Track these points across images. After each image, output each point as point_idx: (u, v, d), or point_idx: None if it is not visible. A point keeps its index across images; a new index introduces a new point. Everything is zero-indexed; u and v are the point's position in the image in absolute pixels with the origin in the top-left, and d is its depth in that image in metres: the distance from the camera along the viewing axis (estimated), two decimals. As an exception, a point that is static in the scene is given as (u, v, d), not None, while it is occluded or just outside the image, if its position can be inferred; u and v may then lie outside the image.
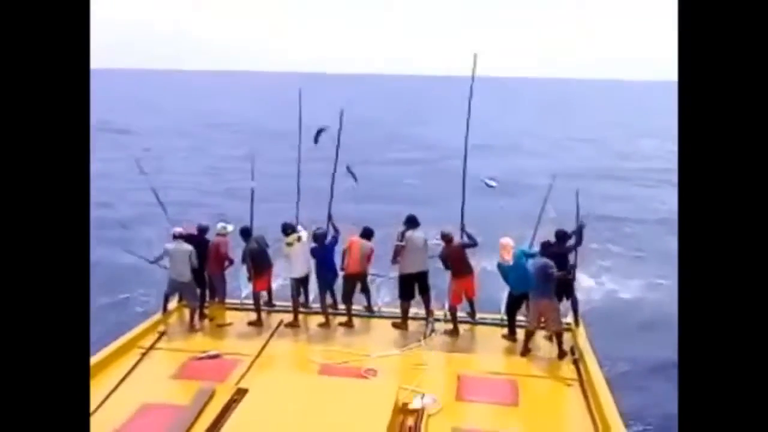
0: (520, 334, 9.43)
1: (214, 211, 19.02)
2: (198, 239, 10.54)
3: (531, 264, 9.15)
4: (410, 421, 7.05)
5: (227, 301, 10.91)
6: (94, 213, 6.02)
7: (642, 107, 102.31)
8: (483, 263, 10.98)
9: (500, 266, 9.52)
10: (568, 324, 9.59)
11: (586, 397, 7.91)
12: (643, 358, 12.85)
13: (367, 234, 10.47)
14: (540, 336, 9.38)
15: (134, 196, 24.08)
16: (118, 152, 34.55)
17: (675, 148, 3.92)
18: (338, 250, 10.38)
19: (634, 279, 18.16)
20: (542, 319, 9.12)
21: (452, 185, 10.70)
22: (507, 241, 9.53)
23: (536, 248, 9.48)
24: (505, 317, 9.83)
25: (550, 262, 8.93)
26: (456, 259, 9.87)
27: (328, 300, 10.44)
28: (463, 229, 10.08)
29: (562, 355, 8.92)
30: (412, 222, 10.16)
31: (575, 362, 8.77)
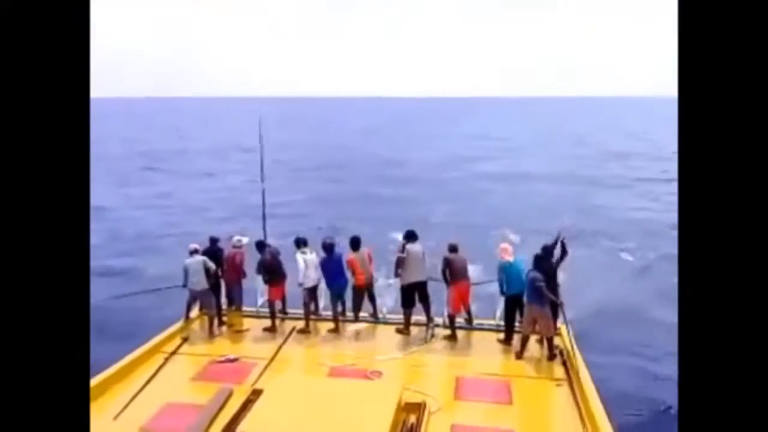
0: (516, 339, 9.89)
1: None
2: (212, 250, 11.16)
3: (528, 273, 9.66)
4: (412, 419, 7.35)
5: (244, 309, 11.36)
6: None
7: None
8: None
9: (502, 266, 10.01)
10: (558, 329, 9.92)
11: (574, 395, 8.19)
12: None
13: (355, 244, 10.87)
14: (532, 339, 9.74)
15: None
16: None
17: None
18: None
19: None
20: (536, 325, 9.58)
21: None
22: (506, 245, 10.24)
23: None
24: (501, 323, 10.29)
25: (539, 276, 9.40)
26: (457, 267, 10.33)
27: (338, 308, 10.88)
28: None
29: (551, 357, 9.34)
30: (411, 236, 10.64)
31: (564, 363, 9.10)
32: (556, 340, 9.72)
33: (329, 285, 10.83)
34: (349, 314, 10.96)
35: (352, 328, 10.82)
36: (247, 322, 11.16)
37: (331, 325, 10.82)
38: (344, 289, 10.91)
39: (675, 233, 3.79)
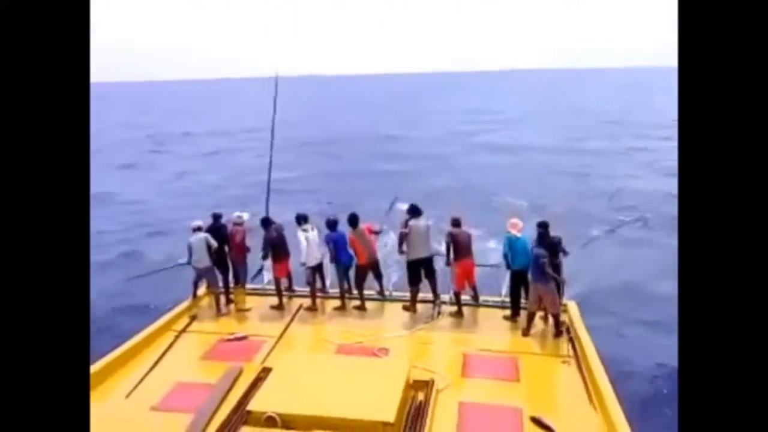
0: (522, 315, 9.94)
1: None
2: (214, 227, 11.13)
3: (532, 249, 9.64)
4: (420, 396, 7.42)
5: (250, 286, 11.39)
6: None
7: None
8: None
9: (508, 239, 9.98)
10: (564, 305, 9.96)
11: (581, 372, 8.23)
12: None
13: (353, 221, 10.83)
14: (538, 316, 9.79)
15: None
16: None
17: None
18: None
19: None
20: (541, 302, 9.62)
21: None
22: (517, 220, 10.20)
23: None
24: (507, 299, 10.30)
25: (543, 252, 9.42)
26: (460, 242, 10.29)
27: (345, 285, 10.92)
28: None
29: (558, 334, 9.38)
30: (414, 211, 10.53)
31: (570, 340, 9.12)
32: (563, 317, 9.75)
33: (336, 261, 10.82)
34: (356, 292, 10.99)
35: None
36: (254, 300, 11.20)
37: (338, 302, 10.87)
38: (350, 266, 10.91)
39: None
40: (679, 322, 3.59)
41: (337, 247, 10.69)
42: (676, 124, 3.81)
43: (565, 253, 9.81)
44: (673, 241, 4.01)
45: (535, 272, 9.55)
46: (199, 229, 10.88)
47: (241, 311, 10.88)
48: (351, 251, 10.83)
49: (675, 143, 3.85)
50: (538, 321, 9.83)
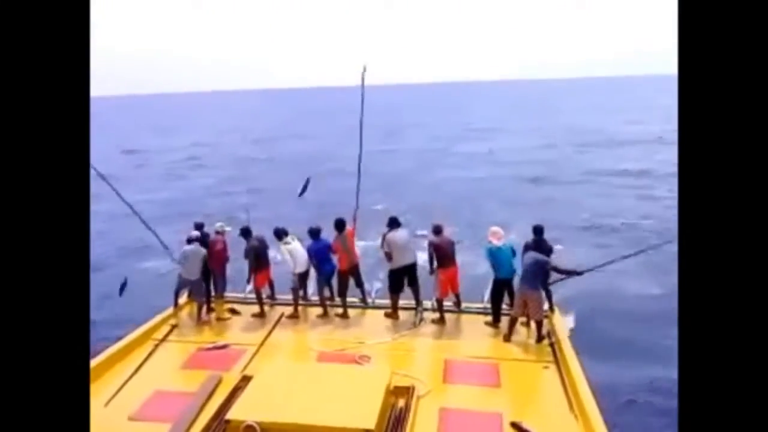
0: (503, 321, 9.97)
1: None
2: (202, 236, 11.07)
3: (527, 257, 9.62)
4: (401, 403, 7.40)
5: (231, 295, 11.31)
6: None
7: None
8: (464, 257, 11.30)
9: (489, 250, 10.01)
10: (545, 312, 9.98)
11: (561, 378, 8.25)
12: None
13: (339, 226, 10.77)
14: (519, 322, 9.81)
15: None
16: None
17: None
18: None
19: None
20: (525, 308, 9.63)
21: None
22: (497, 228, 10.17)
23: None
24: (489, 306, 10.31)
25: (547, 259, 9.51)
26: (444, 250, 10.32)
27: (326, 293, 10.92)
28: None
29: (540, 339, 9.41)
30: (394, 223, 10.59)
31: (551, 346, 9.16)
32: (545, 324, 9.79)
33: (318, 270, 10.81)
34: (338, 300, 10.97)
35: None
36: (242, 308, 11.18)
37: (320, 310, 10.84)
38: (332, 275, 10.92)
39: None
40: (679, 322, 3.60)
41: (319, 259, 10.71)
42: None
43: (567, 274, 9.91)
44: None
45: (530, 277, 9.51)
46: (195, 240, 10.81)
47: (220, 320, 10.82)
48: (334, 258, 10.81)
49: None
50: (520, 327, 9.86)
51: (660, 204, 27.80)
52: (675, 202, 3.69)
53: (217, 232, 11.20)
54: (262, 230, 11.24)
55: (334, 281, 10.98)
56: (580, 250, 17.52)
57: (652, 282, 16.56)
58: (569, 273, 9.78)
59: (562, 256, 10.04)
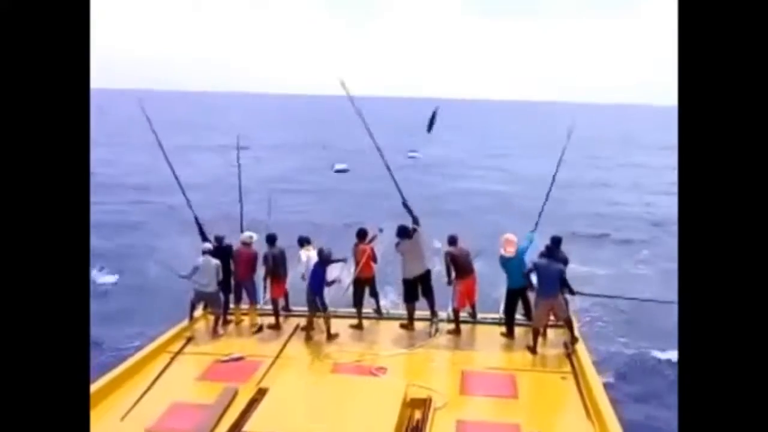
0: (518, 331, 9.96)
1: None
2: (219, 249, 11.03)
3: (542, 265, 9.53)
4: (418, 415, 7.37)
5: (245, 308, 11.18)
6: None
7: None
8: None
9: (503, 258, 9.97)
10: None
11: (579, 388, 8.20)
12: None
13: (362, 235, 10.75)
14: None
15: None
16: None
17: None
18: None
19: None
20: (551, 316, 9.61)
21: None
22: (511, 236, 10.09)
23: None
24: (504, 317, 10.26)
25: (563, 267, 9.47)
26: (460, 261, 10.29)
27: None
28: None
29: (574, 341, 9.33)
30: (403, 232, 10.49)
31: (569, 356, 9.11)
32: (560, 334, 9.72)
33: (313, 287, 10.43)
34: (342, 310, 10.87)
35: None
36: (248, 319, 11.12)
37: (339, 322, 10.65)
38: (317, 296, 10.49)
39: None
40: (679, 323, 3.61)
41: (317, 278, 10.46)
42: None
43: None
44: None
45: (547, 287, 9.43)
46: (210, 252, 10.77)
47: (257, 330, 10.78)
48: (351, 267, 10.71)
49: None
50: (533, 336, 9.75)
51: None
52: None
53: (245, 243, 11.12)
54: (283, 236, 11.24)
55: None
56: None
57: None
58: (569, 289, 9.64)
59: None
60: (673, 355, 13.20)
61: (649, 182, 44.58)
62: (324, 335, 10.50)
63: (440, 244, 10.91)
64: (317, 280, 10.34)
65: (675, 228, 3.82)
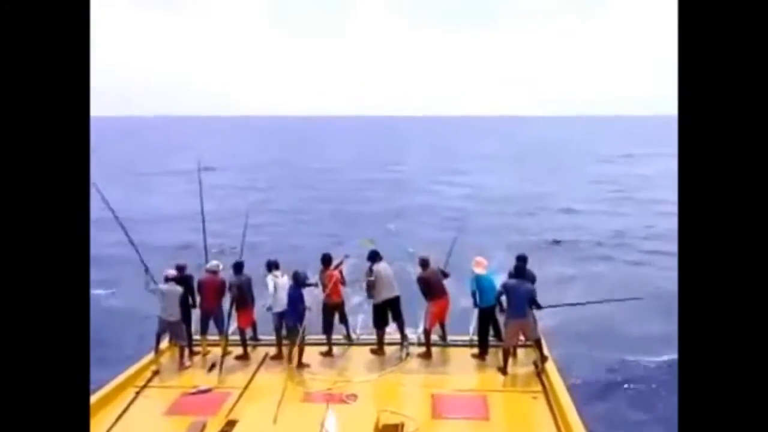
0: (491, 353, 10.00)
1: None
2: (180, 278, 10.82)
3: (510, 285, 9.61)
4: None
5: (212, 338, 11.02)
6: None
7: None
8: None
9: (476, 278, 10.05)
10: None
11: (550, 407, 8.25)
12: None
13: (326, 261, 10.68)
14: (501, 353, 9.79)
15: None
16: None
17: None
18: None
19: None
20: (518, 337, 9.68)
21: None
22: (481, 258, 10.28)
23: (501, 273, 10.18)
24: (474, 338, 10.32)
25: (533, 288, 9.57)
26: (432, 283, 10.35)
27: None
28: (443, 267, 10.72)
29: (544, 359, 9.40)
30: (375, 256, 10.60)
31: (539, 375, 9.18)
32: (529, 353, 9.78)
33: (290, 314, 10.35)
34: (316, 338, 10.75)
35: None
36: (218, 351, 10.80)
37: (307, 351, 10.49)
38: (297, 321, 10.31)
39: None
40: (679, 322, 3.63)
41: (293, 301, 10.38)
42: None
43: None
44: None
45: (517, 307, 9.51)
46: (173, 279, 10.55)
47: (239, 359, 10.62)
48: (317, 292, 10.63)
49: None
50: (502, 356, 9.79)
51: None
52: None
53: (211, 272, 10.95)
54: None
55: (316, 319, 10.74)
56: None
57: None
58: (537, 304, 9.69)
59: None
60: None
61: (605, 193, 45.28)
62: (292, 364, 10.28)
63: (413, 249, 10.94)
64: (294, 304, 10.27)
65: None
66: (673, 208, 4.03)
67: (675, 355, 3.77)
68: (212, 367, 10.32)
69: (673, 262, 3.83)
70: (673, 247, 3.93)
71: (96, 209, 6.26)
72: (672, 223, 5.07)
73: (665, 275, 17.21)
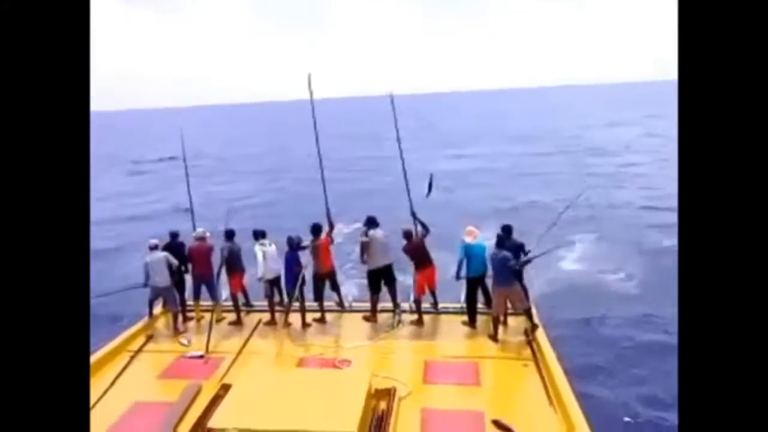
0: (480, 320, 10.12)
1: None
2: (172, 245, 10.98)
3: (491, 255, 9.76)
4: (383, 405, 7.42)
5: (206, 303, 11.12)
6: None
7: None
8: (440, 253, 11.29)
9: (464, 246, 10.09)
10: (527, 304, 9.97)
11: (541, 375, 8.34)
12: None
13: (316, 231, 10.62)
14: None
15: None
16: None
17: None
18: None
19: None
20: (506, 305, 9.79)
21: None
22: (473, 228, 10.31)
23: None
24: (465, 306, 10.41)
25: (509, 254, 9.58)
26: (418, 253, 10.45)
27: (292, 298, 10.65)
28: (414, 217, 10.69)
29: (534, 328, 9.50)
30: (372, 222, 10.67)
31: (529, 343, 9.26)
32: (521, 321, 9.90)
33: (287, 278, 10.58)
34: (310, 304, 10.84)
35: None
36: (209, 316, 10.89)
37: (298, 316, 10.71)
38: (294, 284, 10.56)
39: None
40: (679, 322, 3.63)
41: (287, 269, 10.57)
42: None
43: (528, 261, 9.92)
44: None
45: (500, 276, 9.64)
46: (155, 247, 10.67)
47: (233, 324, 10.78)
48: (306, 261, 10.65)
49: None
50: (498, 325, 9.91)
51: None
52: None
53: (199, 238, 11.03)
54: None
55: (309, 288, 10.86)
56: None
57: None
58: (528, 260, 9.84)
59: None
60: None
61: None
62: (285, 330, 10.45)
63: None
64: (291, 268, 10.39)
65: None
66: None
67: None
68: (233, 322, 10.72)
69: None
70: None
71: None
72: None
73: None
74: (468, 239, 10.14)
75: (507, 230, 10.19)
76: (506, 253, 9.62)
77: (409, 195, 10.85)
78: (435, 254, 10.77)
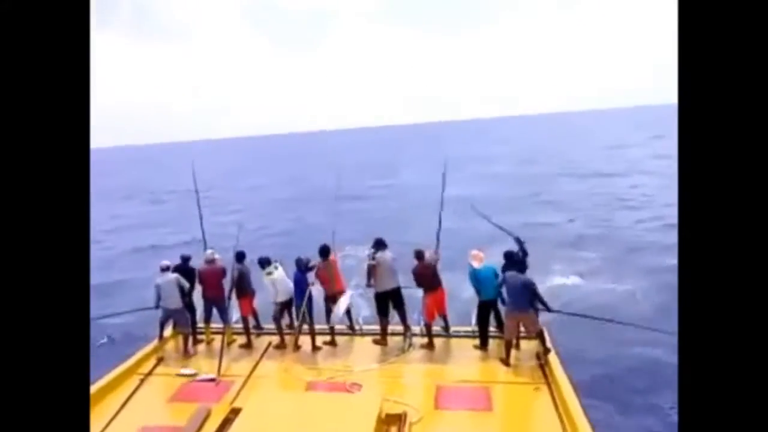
0: (492, 344, 10.02)
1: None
2: (182, 268, 10.98)
3: (510, 277, 9.59)
4: (394, 430, 7.34)
5: (216, 326, 11.14)
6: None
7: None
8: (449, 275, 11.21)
9: (473, 272, 10.04)
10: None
11: (553, 399, 8.23)
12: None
13: (324, 253, 10.65)
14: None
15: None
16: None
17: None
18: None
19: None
20: (521, 328, 9.67)
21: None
22: (477, 251, 10.23)
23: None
24: (476, 329, 10.29)
25: (532, 280, 9.51)
26: (427, 275, 10.34)
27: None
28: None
29: (546, 351, 9.38)
30: (380, 244, 10.63)
31: (541, 367, 9.16)
32: (532, 345, 9.80)
33: (298, 296, 10.61)
34: (321, 327, 10.81)
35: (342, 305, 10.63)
36: (220, 339, 10.88)
37: (308, 339, 10.69)
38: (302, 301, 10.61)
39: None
40: (679, 322, 3.62)
41: (298, 290, 10.61)
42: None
43: (526, 254, 10.00)
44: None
45: (517, 300, 9.51)
46: (167, 269, 10.70)
47: (244, 347, 10.75)
48: (315, 283, 10.65)
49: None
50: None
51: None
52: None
53: (208, 261, 11.06)
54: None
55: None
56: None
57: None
58: (545, 305, 9.69)
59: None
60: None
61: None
62: (295, 353, 10.43)
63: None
64: (301, 289, 10.40)
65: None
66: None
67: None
68: (243, 345, 10.70)
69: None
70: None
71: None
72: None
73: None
74: (475, 264, 10.07)
75: (507, 256, 10.10)
76: (529, 278, 9.54)
77: (440, 223, 10.81)
78: (445, 276, 10.68)
